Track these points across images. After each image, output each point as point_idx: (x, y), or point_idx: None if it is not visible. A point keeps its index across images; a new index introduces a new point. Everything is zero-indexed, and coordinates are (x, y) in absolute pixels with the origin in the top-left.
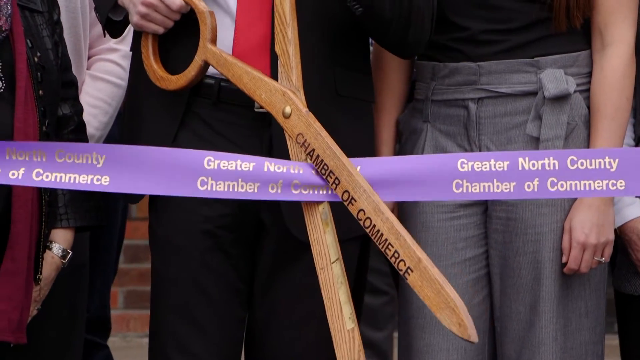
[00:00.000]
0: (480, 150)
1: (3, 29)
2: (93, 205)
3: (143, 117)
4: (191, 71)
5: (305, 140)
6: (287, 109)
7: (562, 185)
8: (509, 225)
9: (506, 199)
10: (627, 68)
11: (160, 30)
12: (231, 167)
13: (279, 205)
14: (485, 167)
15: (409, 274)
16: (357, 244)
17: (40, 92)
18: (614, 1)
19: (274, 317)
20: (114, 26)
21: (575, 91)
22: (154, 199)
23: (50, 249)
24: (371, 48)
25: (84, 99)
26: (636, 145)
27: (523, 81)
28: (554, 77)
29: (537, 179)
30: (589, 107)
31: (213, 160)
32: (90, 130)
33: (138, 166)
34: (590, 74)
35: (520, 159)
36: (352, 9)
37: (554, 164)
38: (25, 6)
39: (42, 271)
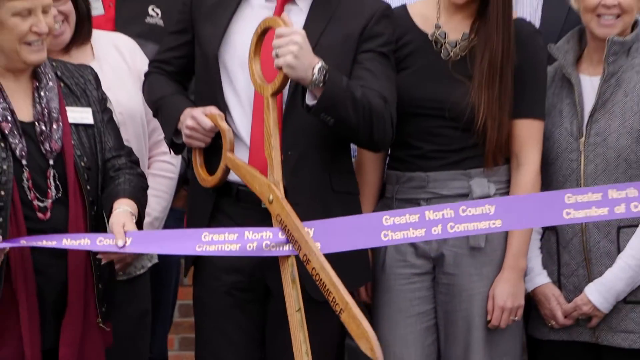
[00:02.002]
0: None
1: (53, 149)
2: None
3: (190, 213)
4: (218, 174)
5: (282, 219)
6: (271, 197)
7: (457, 228)
8: (449, 289)
9: (419, 241)
10: (535, 182)
11: (202, 145)
12: (220, 238)
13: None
14: (402, 220)
15: (341, 314)
16: None
17: (88, 187)
18: (525, 134)
19: (280, 356)
20: (176, 146)
21: (495, 194)
22: (196, 271)
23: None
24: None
25: (149, 192)
26: (543, 235)
27: (458, 186)
28: (480, 184)
29: (440, 225)
30: None
31: (208, 234)
32: (155, 213)
33: (146, 241)
34: (507, 182)
35: (427, 212)
36: (325, 122)
37: (450, 213)
38: (79, 124)
39: (114, 224)
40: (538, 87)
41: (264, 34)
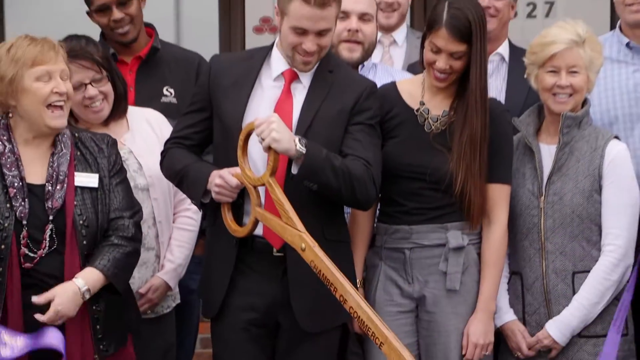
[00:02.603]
0: (412, 280)
1: (54, 207)
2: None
3: (212, 260)
4: (249, 225)
5: (315, 265)
6: (303, 245)
7: None
8: (430, 325)
9: None
10: (503, 237)
11: (230, 200)
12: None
13: (291, 309)
14: None
15: (381, 347)
16: (339, 331)
17: (84, 242)
18: (496, 197)
19: None
20: (205, 205)
21: (468, 244)
22: (216, 312)
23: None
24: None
25: (174, 243)
26: (509, 279)
27: (437, 237)
28: (455, 236)
29: None
30: (477, 254)
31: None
32: (178, 261)
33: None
34: (477, 234)
35: None
36: (309, 187)
37: None
38: (84, 187)
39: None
40: (506, 156)
41: (247, 139)
